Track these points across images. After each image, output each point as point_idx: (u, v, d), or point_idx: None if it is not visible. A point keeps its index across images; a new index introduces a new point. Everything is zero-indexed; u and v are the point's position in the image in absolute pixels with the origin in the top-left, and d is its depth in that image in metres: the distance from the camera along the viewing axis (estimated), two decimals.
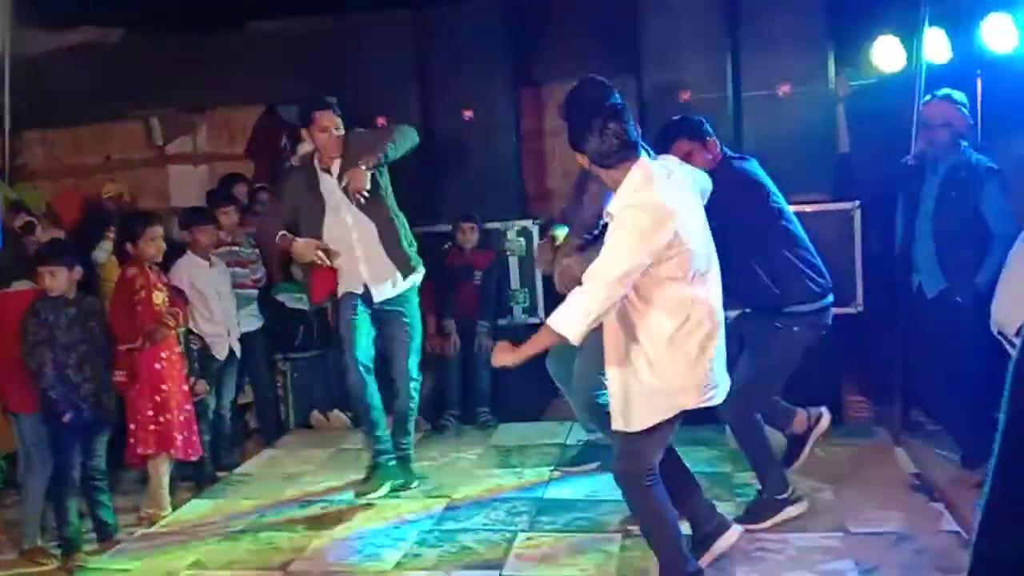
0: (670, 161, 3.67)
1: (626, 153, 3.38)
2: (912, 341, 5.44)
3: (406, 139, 5.16)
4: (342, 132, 5.08)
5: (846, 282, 5.86)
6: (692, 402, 3.50)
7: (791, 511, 4.46)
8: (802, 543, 4.26)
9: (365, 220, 5.12)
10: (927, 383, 5.45)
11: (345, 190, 4.99)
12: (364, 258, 5.17)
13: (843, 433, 5.83)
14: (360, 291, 5.20)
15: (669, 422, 3.52)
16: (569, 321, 3.28)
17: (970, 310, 4.71)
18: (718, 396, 3.60)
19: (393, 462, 5.36)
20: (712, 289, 3.51)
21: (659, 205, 3.31)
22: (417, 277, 5.33)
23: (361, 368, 5.20)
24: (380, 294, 5.21)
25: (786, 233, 4.38)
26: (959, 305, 4.93)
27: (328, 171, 5.13)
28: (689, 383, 3.47)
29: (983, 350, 4.29)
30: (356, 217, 5.11)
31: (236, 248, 6.29)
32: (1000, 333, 3.83)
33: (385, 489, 5.26)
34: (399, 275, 5.22)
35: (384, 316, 5.29)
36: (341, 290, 5.24)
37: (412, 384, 5.33)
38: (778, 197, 4.42)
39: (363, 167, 4.94)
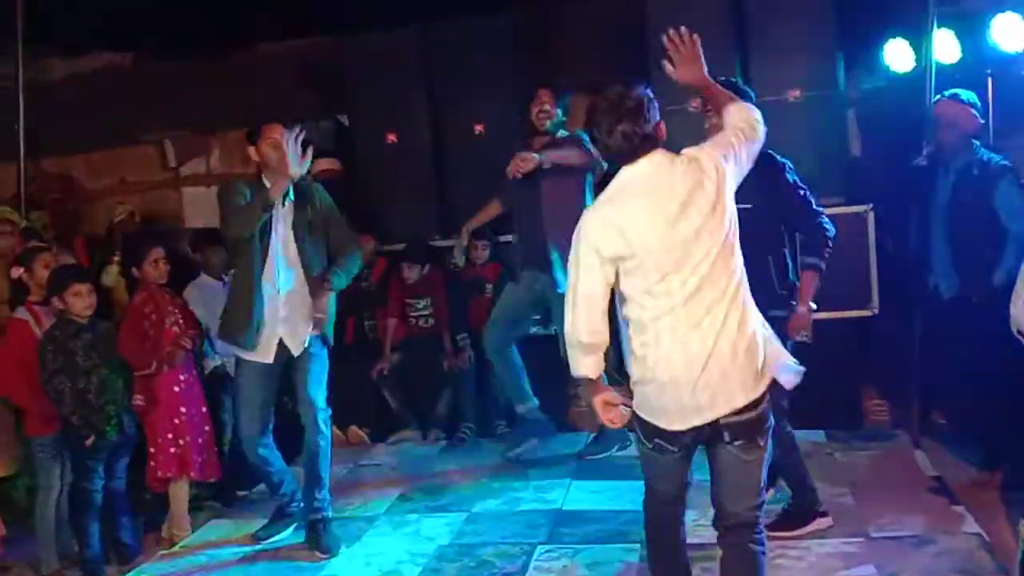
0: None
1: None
2: (929, 343, 5.41)
3: (352, 269, 4.85)
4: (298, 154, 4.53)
5: (861, 285, 5.85)
6: None
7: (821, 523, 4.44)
8: (823, 549, 4.24)
9: (297, 263, 4.71)
10: (945, 385, 5.42)
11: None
12: (286, 304, 4.69)
13: (862, 437, 5.82)
14: (270, 360, 4.73)
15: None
16: None
17: (987, 310, 4.67)
18: None
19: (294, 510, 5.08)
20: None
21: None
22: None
23: (259, 449, 4.88)
24: (297, 348, 4.75)
25: None
26: (976, 305, 4.90)
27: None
28: None
29: (1001, 350, 4.25)
30: (289, 258, 4.69)
31: None
32: (1020, 332, 3.81)
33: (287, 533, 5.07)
34: (311, 326, 4.72)
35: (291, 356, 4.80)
36: (246, 354, 4.77)
37: (320, 415, 4.75)
38: None
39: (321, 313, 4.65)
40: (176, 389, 5.30)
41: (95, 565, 4.99)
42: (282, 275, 4.68)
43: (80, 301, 4.94)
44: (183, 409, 5.30)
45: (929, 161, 5.29)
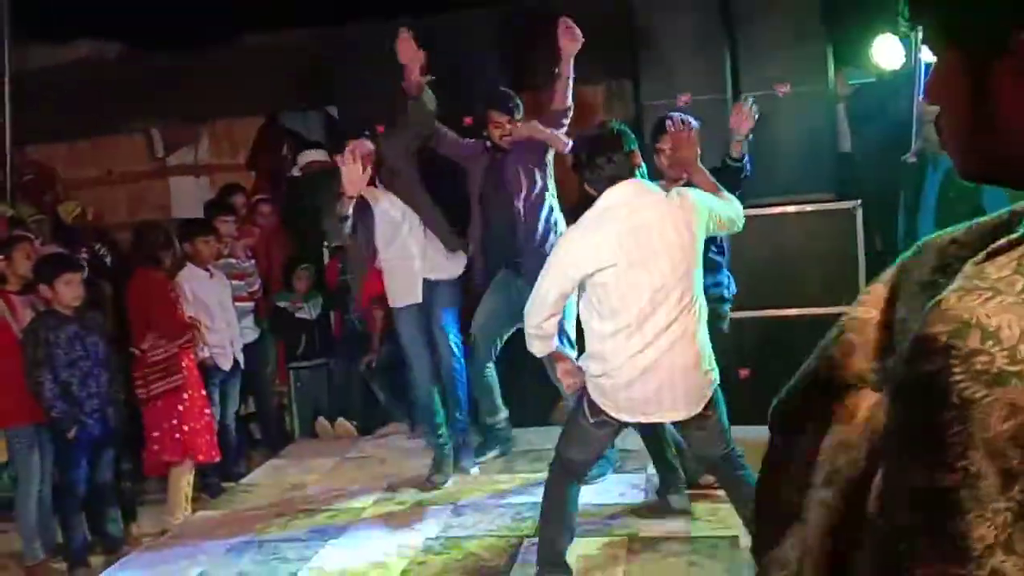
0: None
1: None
2: None
3: None
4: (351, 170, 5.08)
5: (849, 281, 5.86)
6: None
7: None
8: None
9: (408, 209, 5.26)
10: None
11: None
12: (418, 250, 5.25)
13: None
14: (420, 299, 5.26)
15: None
16: None
17: None
18: None
19: (449, 449, 5.50)
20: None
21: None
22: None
23: (431, 385, 5.39)
24: (437, 273, 5.31)
25: None
26: None
27: None
28: None
29: None
30: (403, 208, 5.24)
31: (233, 260, 6.28)
32: None
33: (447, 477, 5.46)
34: (445, 248, 5.34)
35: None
36: (397, 302, 5.34)
37: (451, 338, 5.35)
38: None
39: None
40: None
41: (80, 556, 4.97)
42: (397, 213, 5.24)
43: (71, 290, 4.90)
44: (186, 395, 5.33)
45: (918, 157, 5.31)
